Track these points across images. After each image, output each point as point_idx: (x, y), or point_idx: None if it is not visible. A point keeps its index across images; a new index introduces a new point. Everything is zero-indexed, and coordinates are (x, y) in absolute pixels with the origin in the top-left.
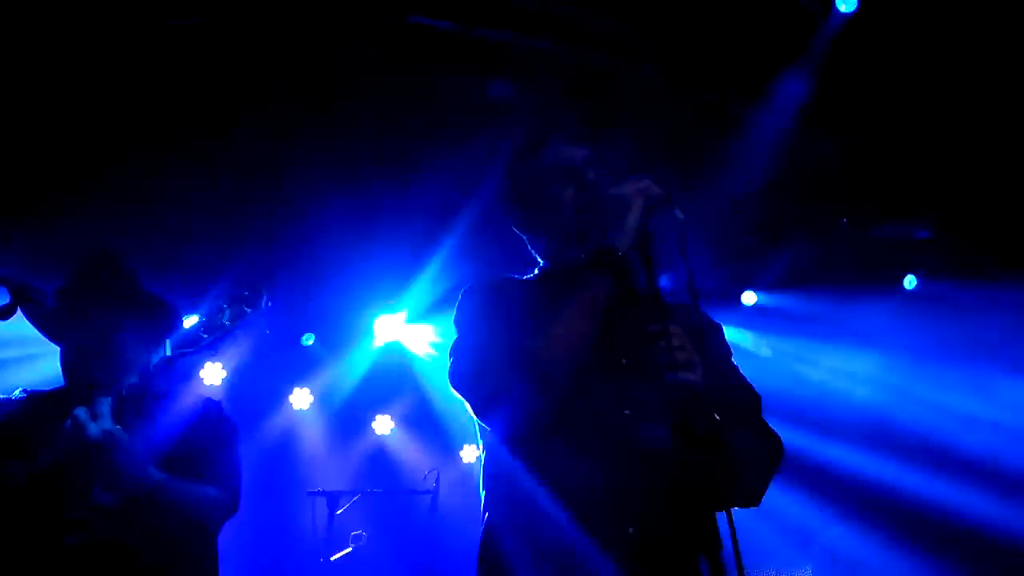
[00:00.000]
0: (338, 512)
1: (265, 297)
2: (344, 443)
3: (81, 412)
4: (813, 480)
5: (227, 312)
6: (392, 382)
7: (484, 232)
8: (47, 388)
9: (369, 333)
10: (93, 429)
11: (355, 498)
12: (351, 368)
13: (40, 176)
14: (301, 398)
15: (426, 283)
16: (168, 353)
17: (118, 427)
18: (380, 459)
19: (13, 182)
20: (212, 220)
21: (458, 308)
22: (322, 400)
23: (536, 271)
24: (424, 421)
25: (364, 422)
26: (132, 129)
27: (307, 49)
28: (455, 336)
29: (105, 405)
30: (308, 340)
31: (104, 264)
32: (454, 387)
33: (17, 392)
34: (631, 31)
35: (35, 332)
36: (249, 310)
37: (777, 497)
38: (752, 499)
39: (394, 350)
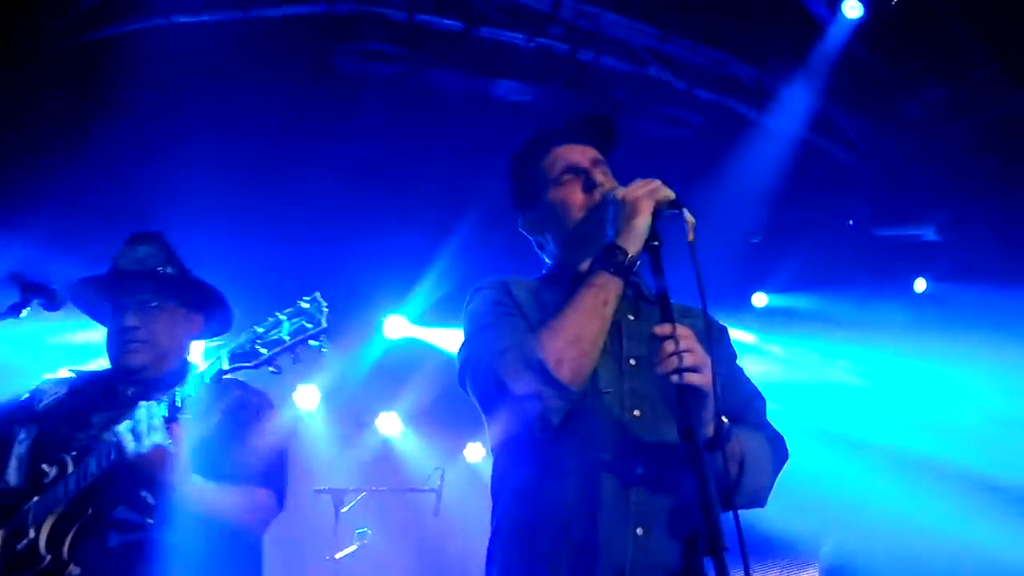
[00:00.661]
0: (343, 510)
1: (326, 311)
2: (350, 441)
3: (137, 422)
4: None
5: (285, 325)
6: (398, 380)
7: (493, 233)
8: (93, 370)
9: (375, 331)
10: (144, 443)
11: (360, 496)
12: (357, 366)
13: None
14: (307, 396)
15: (434, 282)
16: (225, 367)
17: (169, 441)
18: (385, 457)
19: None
20: (220, 216)
21: (467, 308)
22: (328, 398)
23: (544, 272)
24: (429, 420)
25: (369, 420)
26: (134, 123)
27: (316, 46)
28: (465, 336)
29: (158, 415)
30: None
31: (148, 246)
32: (463, 387)
33: (64, 373)
34: (640, 31)
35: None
36: (310, 325)
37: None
38: (757, 500)
39: (400, 348)
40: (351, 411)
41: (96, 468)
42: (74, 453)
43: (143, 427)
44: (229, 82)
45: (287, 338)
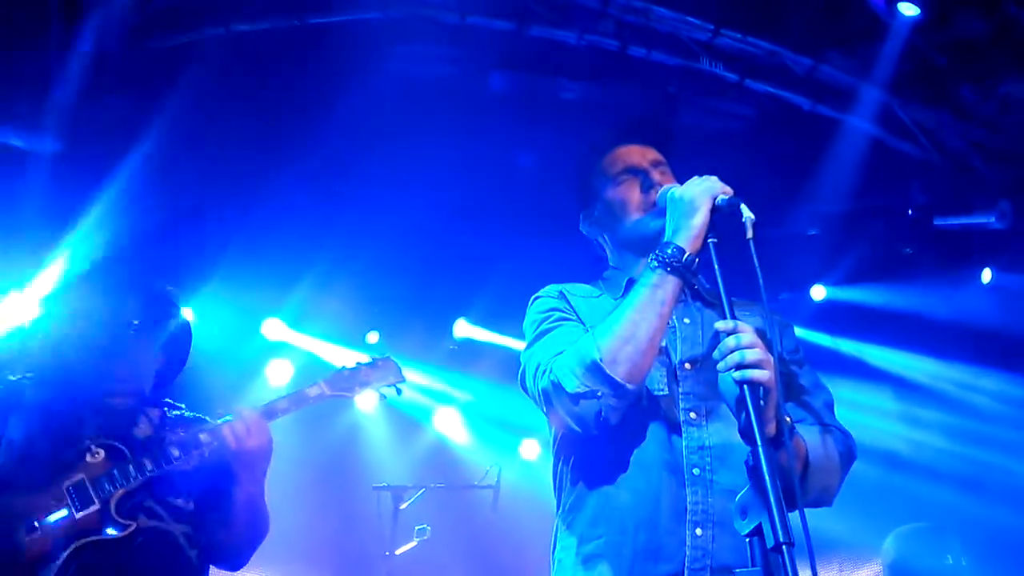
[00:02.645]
0: (403, 506)
1: (401, 368)
2: (408, 438)
3: (241, 420)
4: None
5: (368, 371)
6: (455, 379)
7: (550, 234)
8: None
9: (434, 332)
10: (252, 440)
11: (419, 493)
12: (415, 365)
13: None
14: (365, 395)
15: (494, 284)
16: (327, 392)
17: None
18: (443, 454)
19: None
20: (286, 227)
21: (527, 316)
22: (386, 396)
23: (604, 274)
24: (485, 417)
25: (427, 418)
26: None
27: (371, 51)
28: (527, 340)
29: (259, 414)
30: (373, 338)
31: (118, 260)
32: (525, 389)
33: (16, 378)
34: (691, 24)
35: None
36: (393, 379)
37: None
38: (824, 499)
39: (457, 347)
40: (409, 409)
41: (180, 456)
42: (119, 441)
43: (248, 425)
44: (285, 90)
45: (374, 383)
